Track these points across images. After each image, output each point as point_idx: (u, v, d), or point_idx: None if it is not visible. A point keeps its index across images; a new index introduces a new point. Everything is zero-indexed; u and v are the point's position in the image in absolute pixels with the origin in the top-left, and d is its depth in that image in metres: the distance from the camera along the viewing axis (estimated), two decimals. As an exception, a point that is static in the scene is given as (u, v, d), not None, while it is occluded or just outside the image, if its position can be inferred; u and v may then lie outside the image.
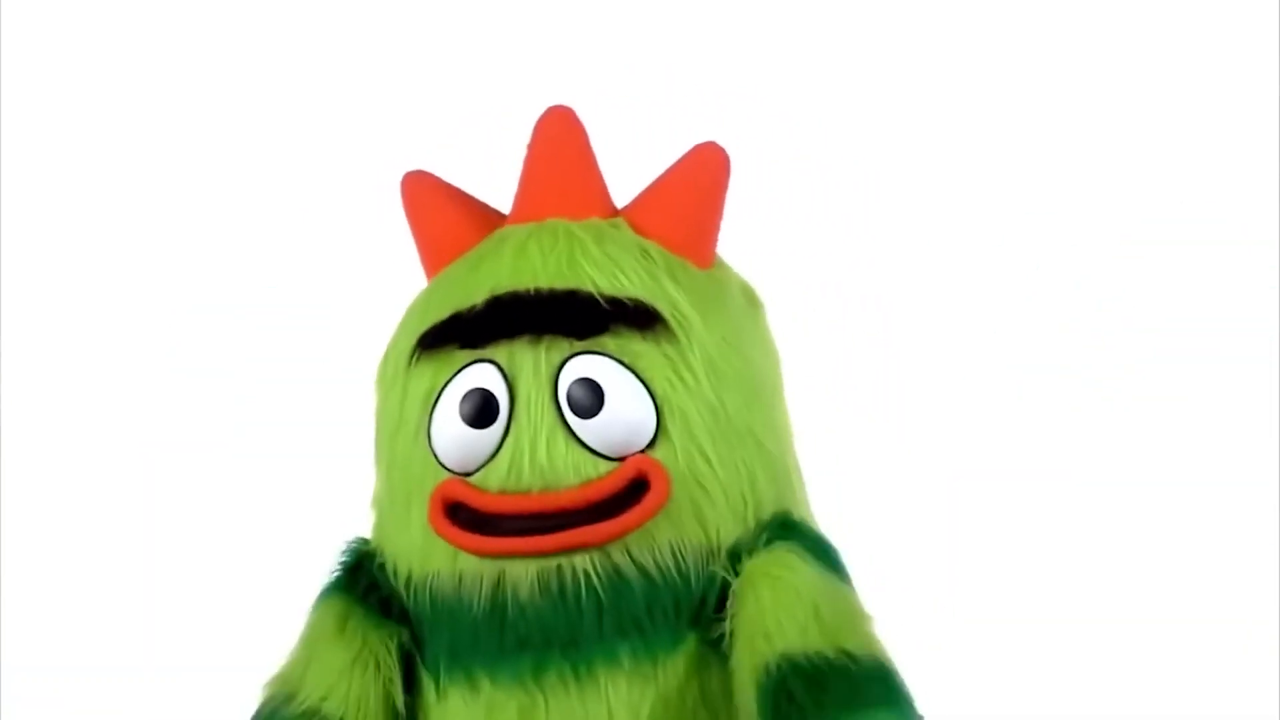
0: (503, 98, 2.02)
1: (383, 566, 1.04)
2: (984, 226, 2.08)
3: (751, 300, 1.06)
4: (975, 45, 2.10)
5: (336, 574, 1.05)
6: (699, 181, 1.03)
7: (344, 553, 1.06)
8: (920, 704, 0.97)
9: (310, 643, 1.03)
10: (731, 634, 0.97)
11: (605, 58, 1.97)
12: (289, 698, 1.01)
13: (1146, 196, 2.12)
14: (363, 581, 1.04)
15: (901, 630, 1.01)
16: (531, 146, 1.04)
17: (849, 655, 0.95)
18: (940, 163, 2.08)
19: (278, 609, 1.19)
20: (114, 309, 2.17)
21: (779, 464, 1.02)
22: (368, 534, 1.08)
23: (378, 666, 1.01)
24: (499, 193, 1.12)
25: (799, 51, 2.03)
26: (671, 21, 2.02)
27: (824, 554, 1.00)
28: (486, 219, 1.05)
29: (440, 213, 1.06)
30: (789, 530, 1.00)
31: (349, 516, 1.24)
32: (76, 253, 2.18)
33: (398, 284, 1.18)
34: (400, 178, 1.07)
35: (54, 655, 2.05)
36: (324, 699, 1.01)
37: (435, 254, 1.05)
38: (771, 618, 0.96)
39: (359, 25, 2.12)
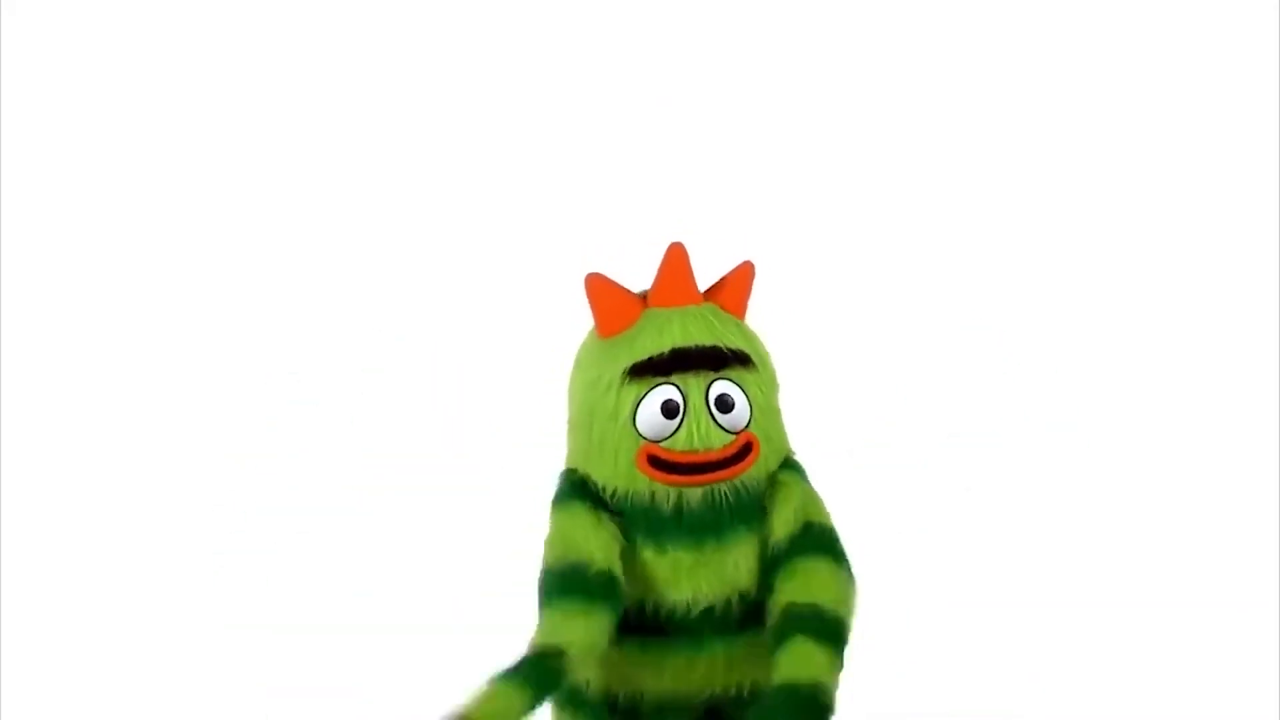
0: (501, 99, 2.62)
1: (592, 482, 1.89)
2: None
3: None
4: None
5: (566, 488, 1.88)
6: (744, 279, 1.94)
7: (567, 476, 1.89)
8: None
9: (577, 527, 1.87)
10: (768, 508, 1.90)
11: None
12: (586, 563, 1.85)
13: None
14: (588, 493, 1.88)
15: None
16: (662, 265, 1.90)
17: (814, 523, 1.92)
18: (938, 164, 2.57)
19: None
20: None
21: (785, 432, 1.97)
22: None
23: (616, 538, 1.88)
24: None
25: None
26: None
27: (802, 472, 1.95)
28: (636, 301, 1.91)
29: (614, 298, 1.91)
30: (789, 463, 1.94)
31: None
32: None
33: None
34: (585, 276, 1.91)
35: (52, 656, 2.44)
36: (606, 559, 1.86)
37: (610, 323, 1.90)
38: (785, 506, 1.91)
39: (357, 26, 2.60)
